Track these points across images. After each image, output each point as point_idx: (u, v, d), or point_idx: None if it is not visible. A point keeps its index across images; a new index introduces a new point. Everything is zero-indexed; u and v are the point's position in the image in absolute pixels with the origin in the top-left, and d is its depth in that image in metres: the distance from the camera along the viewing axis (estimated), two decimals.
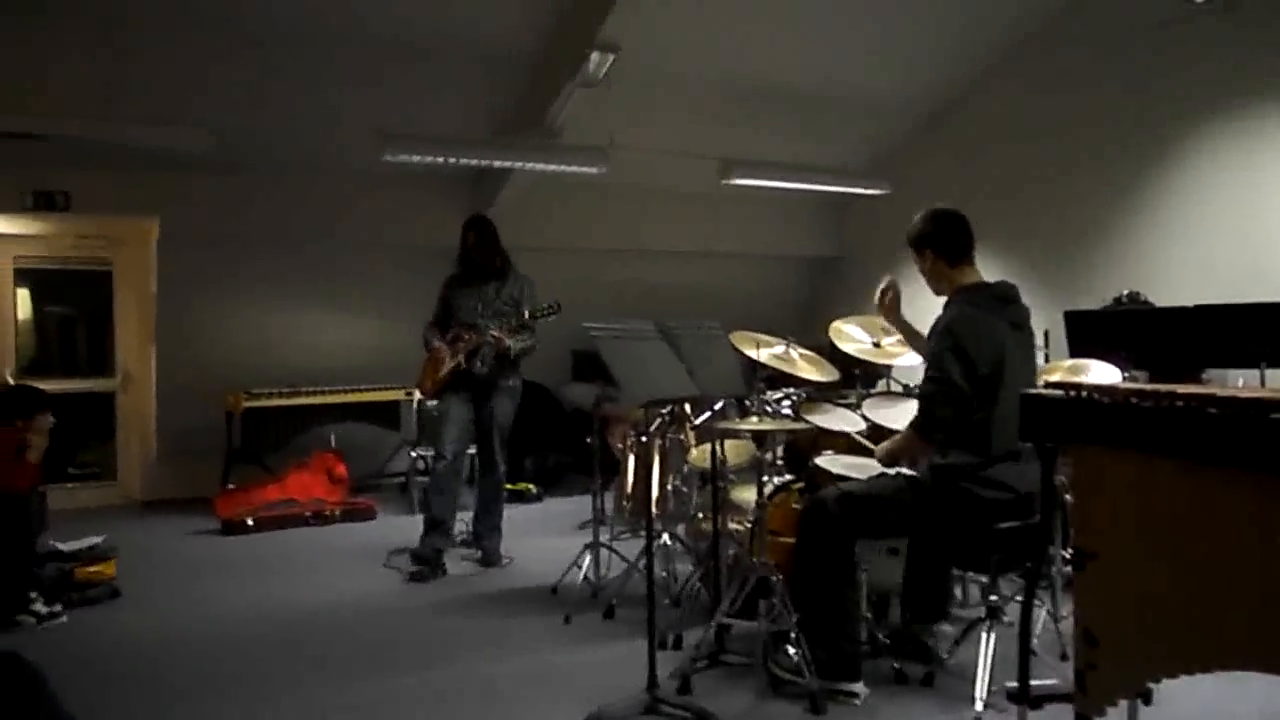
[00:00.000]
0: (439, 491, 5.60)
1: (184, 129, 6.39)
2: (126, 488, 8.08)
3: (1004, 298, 3.65)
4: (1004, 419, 3.35)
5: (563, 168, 7.22)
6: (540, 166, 7.20)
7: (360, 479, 7.93)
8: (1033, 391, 2.57)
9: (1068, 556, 3.83)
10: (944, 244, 3.68)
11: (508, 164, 7.31)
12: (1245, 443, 1.90)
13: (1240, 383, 5.61)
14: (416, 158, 6.66)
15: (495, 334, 5.45)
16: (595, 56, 6.27)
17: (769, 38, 7.19)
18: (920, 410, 3.57)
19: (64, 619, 4.69)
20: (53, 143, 6.36)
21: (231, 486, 7.14)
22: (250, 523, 6.77)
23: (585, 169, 7.23)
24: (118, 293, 8.11)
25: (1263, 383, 4.79)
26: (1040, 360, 4.71)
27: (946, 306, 3.65)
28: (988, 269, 3.76)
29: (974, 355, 3.41)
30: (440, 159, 6.77)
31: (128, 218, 7.62)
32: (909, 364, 4.58)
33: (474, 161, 7.13)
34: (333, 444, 7.63)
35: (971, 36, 7.85)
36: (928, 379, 3.52)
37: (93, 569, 5.14)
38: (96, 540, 5.38)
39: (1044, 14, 7.70)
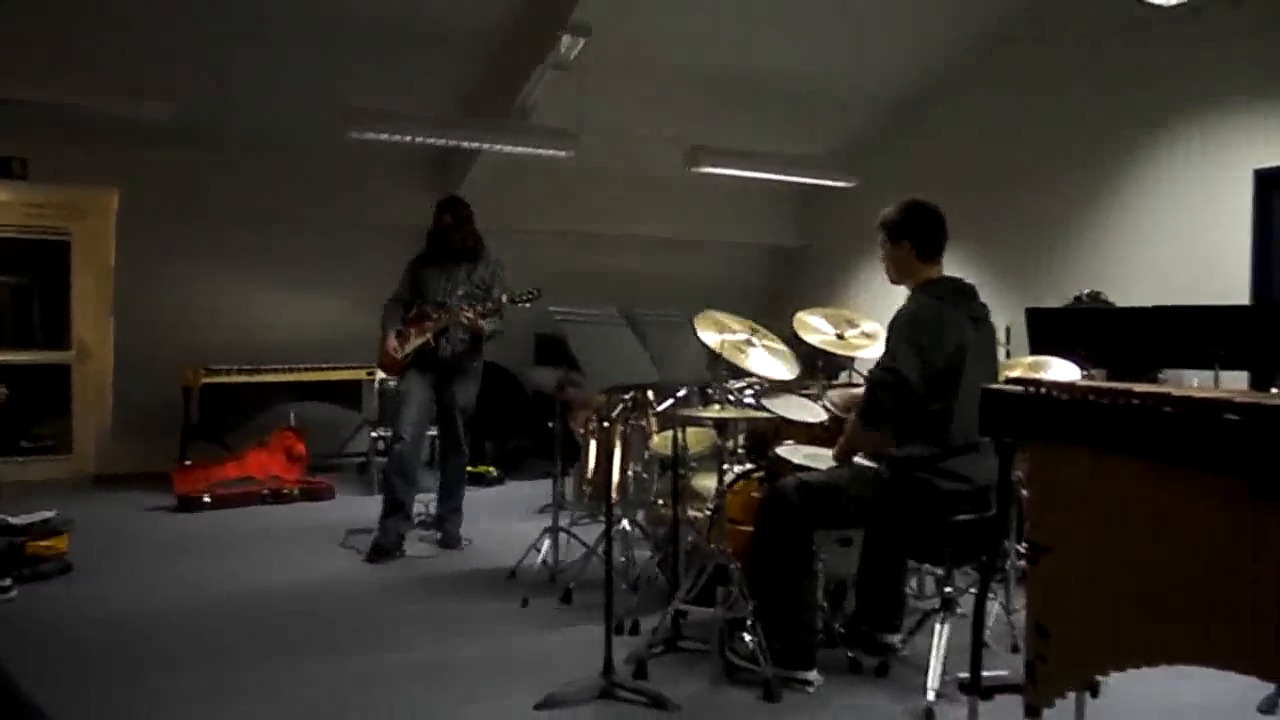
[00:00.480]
0: (400, 473, 5.55)
1: (144, 98, 6.28)
2: (81, 462, 7.97)
3: (964, 291, 3.68)
4: (963, 411, 3.37)
5: (531, 150, 7.19)
6: (508, 148, 7.16)
7: (320, 458, 7.88)
8: (993, 387, 2.59)
9: (1022, 550, 3.87)
10: (923, 239, 3.69)
11: (475, 145, 7.26)
12: (1198, 442, 1.93)
13: (1195, 383, 5.70)
14: (383, 136, 6.60)
15: (470, 314, 5.41)
16: (566, 39, 6.26)
17: (740, 27, 7.20)
18: (865, 397, 3.60)
19: (14, 594, 4.62)
20: (9, 108, 6.24)
21: (189, 463, 7.06)
22: (207, 499, 6.70)
23: (554, 152, 7.21)
24: (75, 264, 7.97)
25: (1216, 384, 4.85)
26: (1002, 356, 4.76)
27: (908, 300, 3.67)
28: (951, 266, 3.79)
29: (932, 347, 3.43)
30: (407, 138, 6.72)
31: (87, 188, 7.50)
32: (872, 356, 4.60)
33: (441, 141, 7.08)
34: (292, 422, 7.57)
35: (939, 34, 7.90)
36: (880, 367, 3.53)
37: (44, 543, 5.06)
38: (49, 514, 5.29)
39: (1010, 14, 7.77)
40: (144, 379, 7.57)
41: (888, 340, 3.56)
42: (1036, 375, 4.41)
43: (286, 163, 7.73)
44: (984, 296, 3.75)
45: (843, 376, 5.81)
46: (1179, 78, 6.83)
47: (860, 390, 3.97)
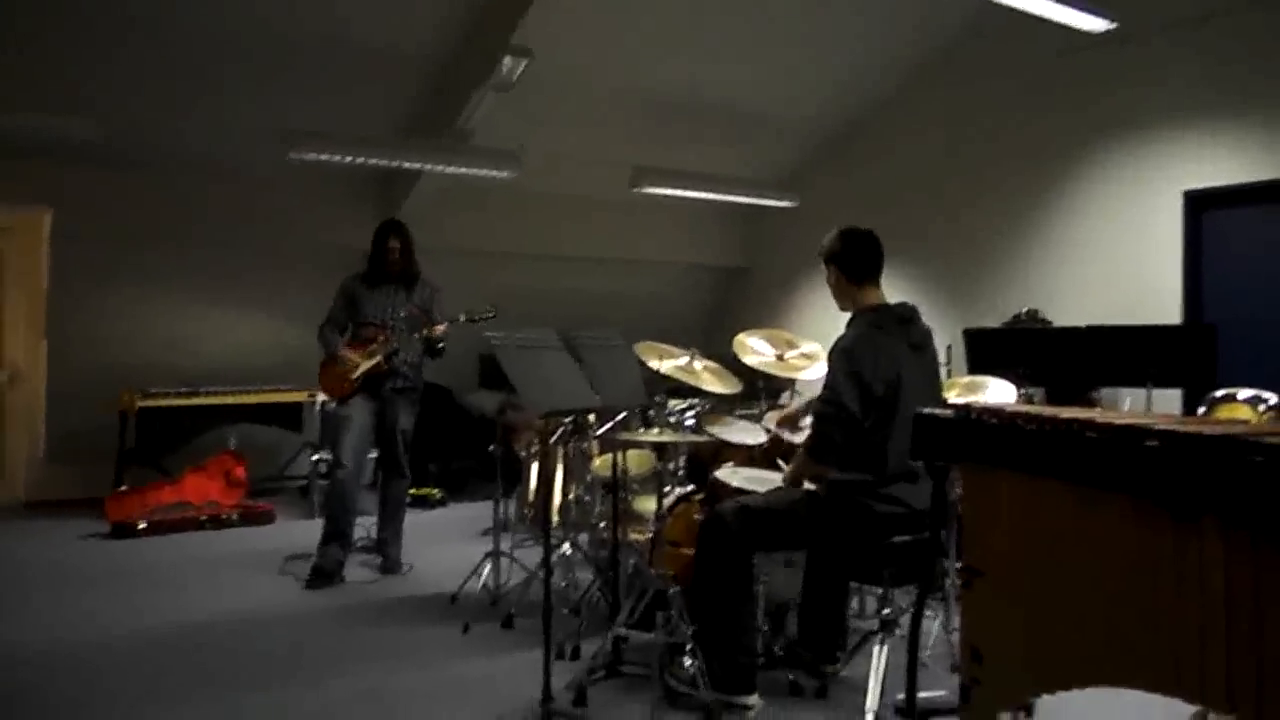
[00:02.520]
0: (340, 500, 5.48)
1: (72, 118, 6.18)
2: (11, 488, 7.77)
3: (903, 318, 3.70)
4: (900, 439, 3.39)
5: (473, 171, 7.16)
6: (450, 169, 7.12)
7: (260, 482, 7.76)
8: (924, 411, 2.61)
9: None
10: (849, 263, 3.72)
11: (417, 166, 7.22)
12: (1121, 468, 1.95)
13: (1128, 402, 5.81)
14: (323, 157, 6.55)
15: (441, 328, 5.39)
16: (508, 61, 6.23)
17: (682, 51, 7.24)
18: (813, 432, 3.61)
19: None
20: None
21: (124, 488, 6.91)
22: (142, 526, 6.57)
23: (496, 173, 7.19)
24: (6, 286, 7.79)
25: (1149, 402, 4.94)
26: (944, 377, 4.80)
27: (848, 326, 3.70)
28: (891, 286, 3.82)
29: (869, 377, 3.45)
30: (347, 159, 6.66)
31: (18, 207, 7.34)
32: (812, 378, 4.63)
33: (382, 162, 7.03)
34: (232, 445, 7.45)
35: (877, 58, 8.02)
36: (822, 400, 3.55)
37: None
38: None
39: (945, 40, 7.91)
40: (78, 402, 7.41)
41: (827, 374, 3.58)
42: (973, 395, 4.47)
43: (226, 184, 7.63)
44: (924, 317, 3.79)
45: (783, 398, 5.85)
46: (1109, 102, 6.98)
47: (794, 407, 3.99)
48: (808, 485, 3.72)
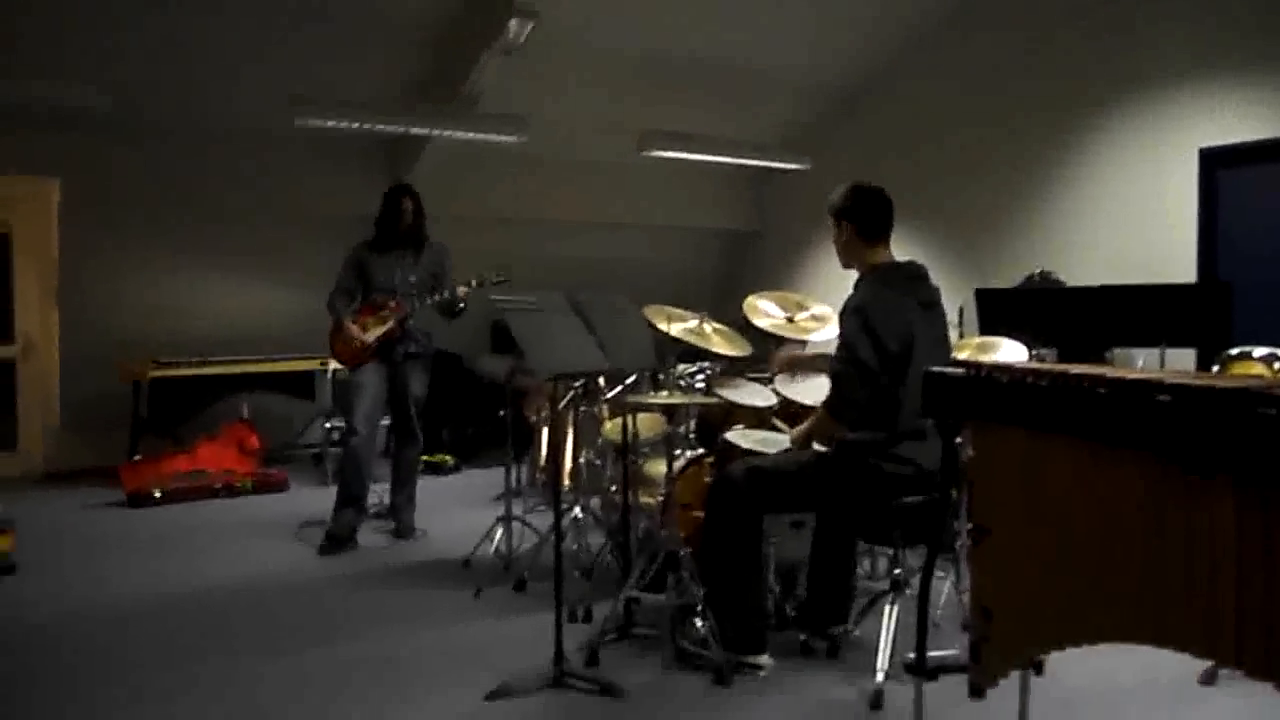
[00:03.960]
0: (354, 466, 5.50)
1: (79, 87, 6.15)
2: (27, 458, 7.83)
3: (913, 276, 3.67)
4: (911, 397, 3.37)
5: (480, 136, 7.14)
6: (457, 134, 7.09)
7: (273, 450, 7.79)
8: (935, 369, 2.59)
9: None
10: (864, 219, 3.68)
11: (424, 131, 7.19)
12: (1132, 423, 1.93)
13: (1141, 362, 5.77)
14: (329, 123, 6.52)
15: (464, 289, 5.41)
16: (514, 23, 6.19)
17: (689, 11, 7.17)
18: (832, 390, 3.59)
19: None
20: None
21: (138, 458, 6.96)
22: (157, 495, 6.61)
23: (503, 138, 7.16)
24: (16, 256, 7.81)
25: (1163, 362, 4.91)
26: (955, 337, 4.77)
27: (857, 285, 3.67)
28: (903, 247, 3.79)
29: (883, 334, 3.43)
30: (353, 125, 6.64)
31: (26, 178, 7.35)
32: (822, 339, 4.61)
33: (389, 128, 7.00)
34: (245, 414, 7.48)
35: (888, 18, 7.92)
36: (838, 359, 3.53)
37: None
38: None
39: None
40: (91, 373, 7.45)
41: (840, 331, 3.55)
42: (985, 356, 4.45)
43: (233, 152, 7.62)
44: (936, 277, 3.76)
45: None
46: (1124, 58, 6.89)
47: (808, 402, 3.96)
48: (815, 446, 3.72)
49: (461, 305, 5.51)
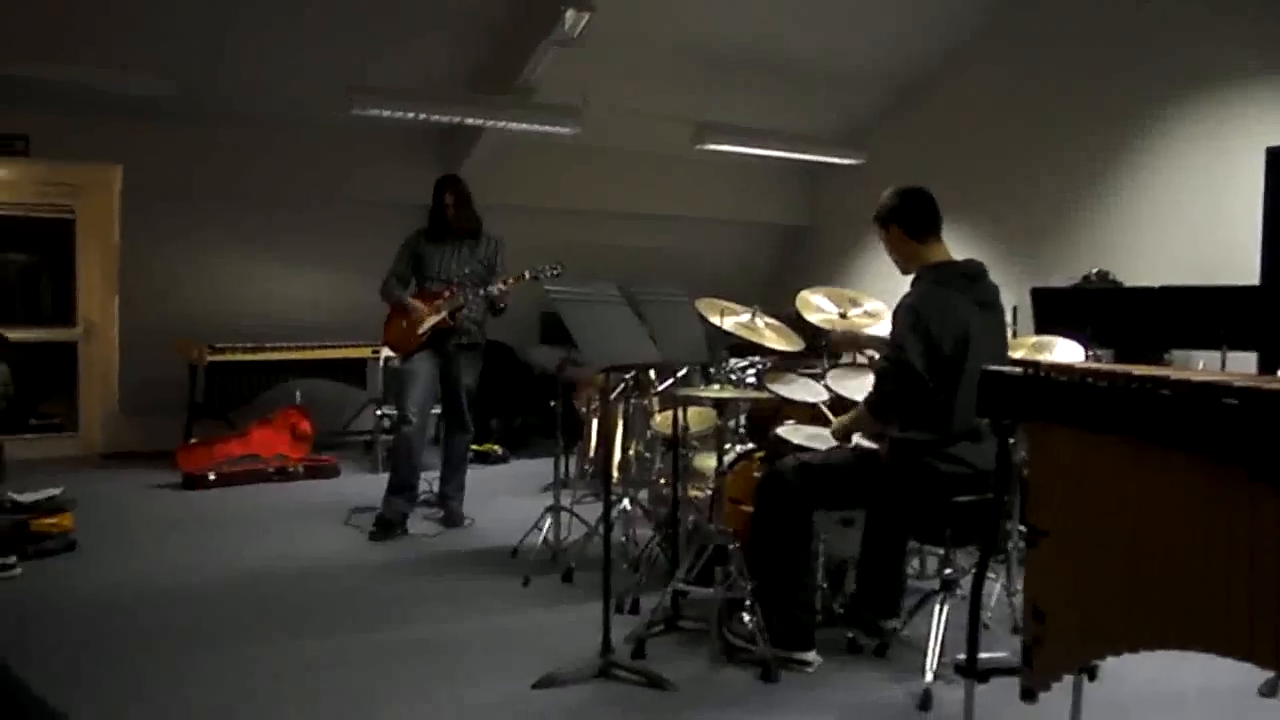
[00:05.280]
0: (405, 454, 5.56)
1: (143, 74, 6.25)
2: (88, 440, 8.00)
3: (971, 275, 3.63)
4: (966, 397, 3.33)
5: (534, 127, 7.14)
6: (512, 125, 7.11)
7: (325, 436, 7.87)
8: (991, 368, 2.56)
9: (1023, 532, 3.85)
10: (909, 219, 3.65)
11: (479, 121, 7.21)
12: (1195, 426, 1.90)
13: (1201, 364, 5.67)
14: (385, 112, 6.57)
15: (502, 286, 5.42)
16: (570, 15, 6.19)
17: (746, 3, 7.13)
18: (875, 387, 3.58)
19: (18, 571, 4.64)
20: (9, 85, 6.21)
21: (194, 440, 7.07)
22: (212, 477, 6.72)
23: (557, 129, 7.16)
24: (80, 241, 7.97)
25: (1223, 364, 4.81)
26: (1010, 337, 4.72)
27: (913, 284, 3.64)
28: (959, 245, 3.75)
29: (937, 334, 3.39)
30: (409, 114, 6.68)
31: (90, 164, 7.49)
32: (876, 335, 4.57)
33: (445, 118, 7.04)
34: (298, 400, 7.58)
35: (947, 11, 7.82)
36: (886, 358, 3.52)
37: (50, 520, 5.08)
38: (54, 492, 5.32)
39: None
40: (149, 356, 7.57)
41: (892, 330, 3.53)
42: (1040, 356, 4.39)
43: (291, 139, 7.70)
44: (992, 276, 3.71)
45: (845, 357, 5.78)
46: (1190, 52, 6.75)
47: (859, 399, 3.93)
48: (862, 442, 3.69)
49: (502, 306, 5.54)
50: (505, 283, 5.44)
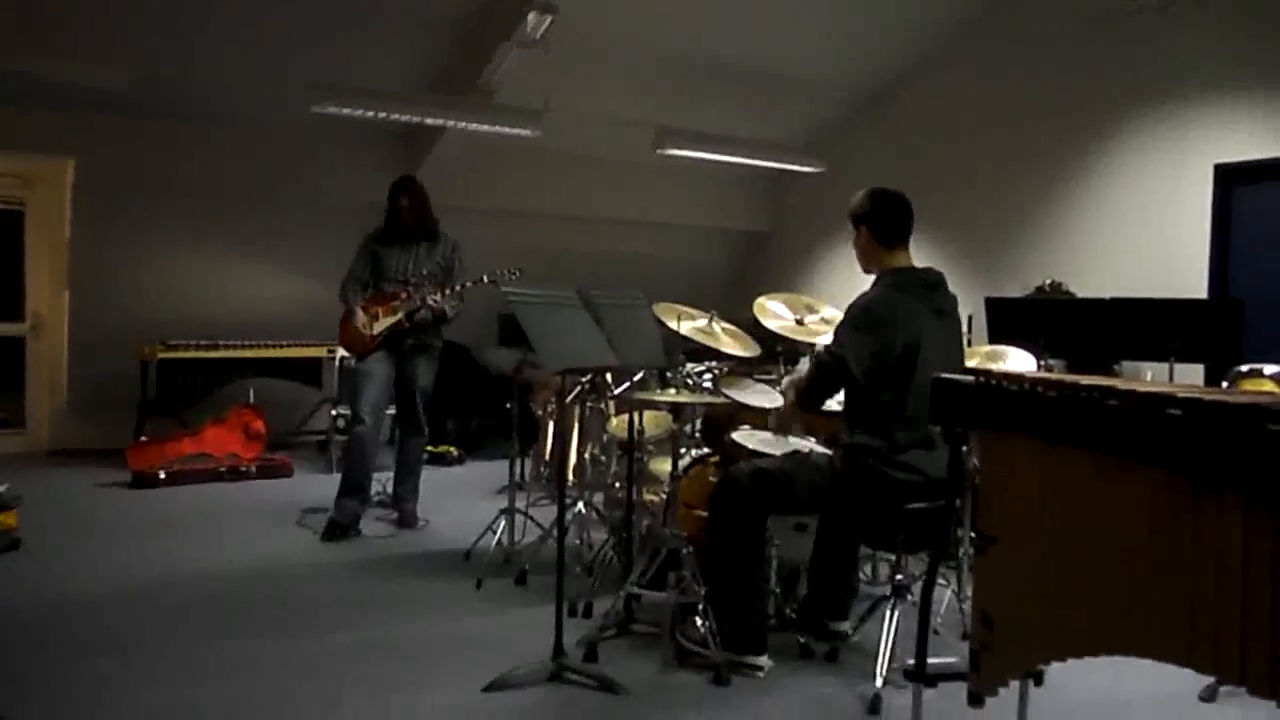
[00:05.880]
0: (358, 455, 5.51)
1: (97, 67, 6.16)
2: (35, 436, 7.87)
3: (930, 284, 3.65)
4: (917, 404, 3.36)
5: (495, 128, 7.13)
6: (473, 126, 7.08)
7: (279, 435, 7.81)
8: (944, 376, 2.59)
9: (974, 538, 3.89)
10: (879, 224, 3.68)
11: (439, 122, 7.18)
12: (1141, 436, 1.93)
13: (1149, 375, 5.76)
14: (345, 111, 6.53)
15: (436, 299, 5.39)
16: (533, 17, 6.19)
17: (708, 10, 7.17)
18: (808, 376, 3.62)
19: None
20: None
21: (144, 438, 6.98)
22: (162, 476, 6.63)
23: (518, 131, 7.15)
24: (30, 234, 7.84)
25: (1171, 376, 4.89)
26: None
27: (872, 285, 3.66)
28: (915, 253, 3.77)
29: (886, 337, 3.42)
30: (370, 113, 6.64)
31: (42, 156, 7.37)
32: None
33: (405, 118, 7.00)
34: (251, 399, 7.49)
35: (908, 22, 7.91)
36: (827, 350, 3.55)
37: None
38: None
39: (978, 6, 7.80)
40: (100, 353, 7.48)
41: (838, 326, 3.57)
42: (993, 364, 4.44)
43: (249, 137, 7.64)
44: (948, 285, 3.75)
45: (802, 362, 5.81)
46: (1142, 71, 6.88)
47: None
48: (816, 448, 3.71)
49: (446, 316, 5.52)
50: (443, 293, 5.41)
